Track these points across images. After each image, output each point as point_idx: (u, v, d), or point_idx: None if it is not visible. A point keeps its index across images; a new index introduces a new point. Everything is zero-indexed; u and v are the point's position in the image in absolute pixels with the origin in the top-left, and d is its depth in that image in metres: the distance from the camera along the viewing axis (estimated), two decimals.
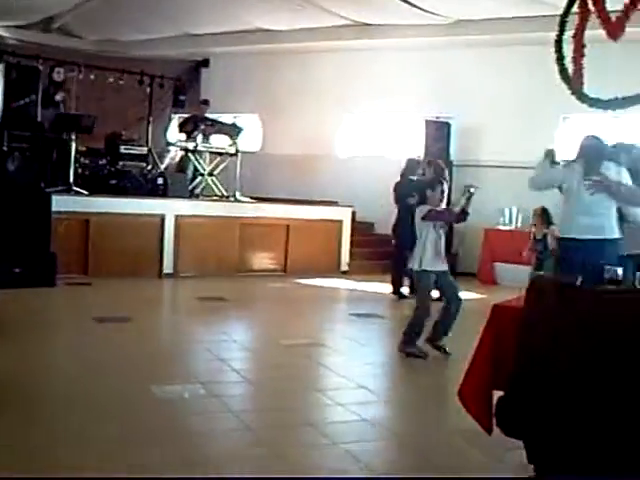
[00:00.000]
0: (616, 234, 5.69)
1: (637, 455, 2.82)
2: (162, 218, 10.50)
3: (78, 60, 13.52)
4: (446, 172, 9.19)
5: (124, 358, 5.86)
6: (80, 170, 11.36)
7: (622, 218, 5.82)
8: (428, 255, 6.36)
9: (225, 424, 4.41)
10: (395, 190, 9.95)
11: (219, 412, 4.61)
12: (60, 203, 9.54)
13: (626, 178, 5.75)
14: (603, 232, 5.62)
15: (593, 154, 5.82)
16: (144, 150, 12.78)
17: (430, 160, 9.82)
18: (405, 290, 9.73)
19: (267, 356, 6.47)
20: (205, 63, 15.99)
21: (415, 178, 9.74)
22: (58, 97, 11.59)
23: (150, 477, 3.49)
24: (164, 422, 4.35)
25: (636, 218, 5.79)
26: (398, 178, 10.09)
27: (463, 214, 6.53)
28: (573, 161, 6.09)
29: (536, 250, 8.73)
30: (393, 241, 10.08)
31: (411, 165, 10.10)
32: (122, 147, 12.18)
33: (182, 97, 14.45)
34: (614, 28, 7.21)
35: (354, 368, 6.00)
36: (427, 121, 12.95)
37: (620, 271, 3.55)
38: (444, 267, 6.47)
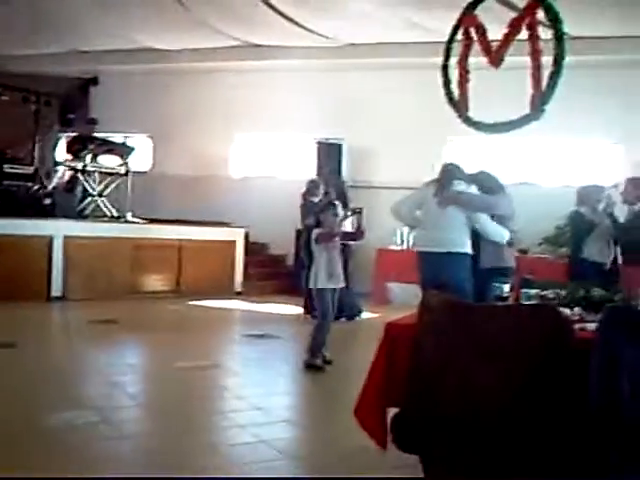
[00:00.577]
0: (464, 248, 5.91)
1: (526, 464, 2.95)
2: (50, 239, 10.20)
3: None
4: (347, 193, 9.42)
5: (9, 386, 5.64)
6: None
7: (478, 236, 6.09)
8: (322, 274, 6.69)
9: (119, 449, 4.32)
10: (301, 212, 10.03)
11: (113, 438, 4.50)
12: None
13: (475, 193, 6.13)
14: (450, 245, 5.85)
15: (446, 175, 6.16)
16: (30, 169, 12.42)
17: (334, 182, 10.03)
18: (299, 309, 9.85)
19: (162, 379, 6.36)
20: (94, 81, 15.66)
21: (316, 200, 9.82)
22: None
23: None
24: (55, 451, 4.22)
25: (488, 237, 6.01)
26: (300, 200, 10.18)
27: (360, 233, 6.89)
28: (429, 183, 6.40)
29: None
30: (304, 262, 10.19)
31: (311, 187, 10.19)
32: (6, 166, 11.79)
33: (70, 115, 14.12)
34: (494, 56, 7.57)
35: (250, 389, 5.99)
36: (319, 142, 13.13)
37: (507, 288, 3.74)
38: (337, 285, 6.81)
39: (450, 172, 6.22)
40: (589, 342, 3.08)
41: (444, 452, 3.10)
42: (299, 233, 10.30)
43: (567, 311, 3.65)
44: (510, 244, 6.06)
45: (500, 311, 3.27)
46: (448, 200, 5.86)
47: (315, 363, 6.70)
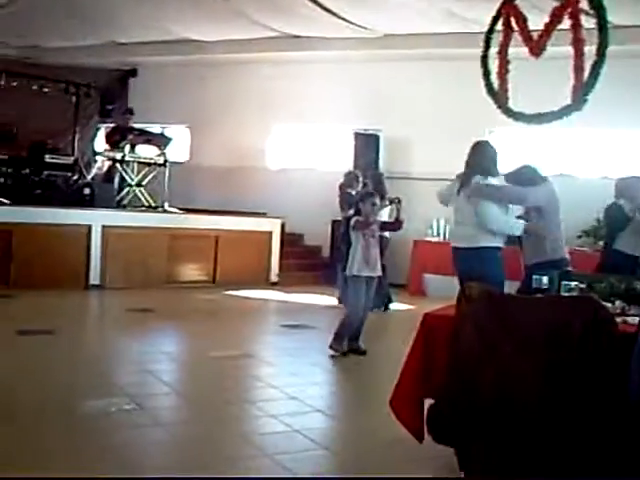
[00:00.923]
0: (486, 242, 5.77)
1: (564, 459, 2.90)
2: (89, 229, 10.30)
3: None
4: (385, 184, 9.43)
5: (48, 372, 5.71)
6: (2, 179, 11.06)
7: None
8: (357, 261, 6.82)
9: (153, 437, 4.34)
10: (340, 203, 10.04)
11: (147, 425, 4.53)
12: None
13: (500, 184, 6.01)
14: (470, 240, 5.75)
15: (467, 170, 5.99)
16: (70, 160, 12.55)
17: (369, 174, 10.02)
18: (334, 300, 9.85)
19: (196, 368, 6.39)
20: (133, 73, 15.79)
21: (354, 192, 9.79)
22: None
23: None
24: (90, 437, 4.25)
25: (486, 226, 5.83)
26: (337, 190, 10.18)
27: (398, 223, 6.94)
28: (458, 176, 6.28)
29: None
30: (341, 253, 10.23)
31: (348, 179, 10.17)
32: (47, 156, 11.93)
33: (109, 107, 14.23)
34: (535, 46, 7.45)
35: (284, 379, 5.98)
36: (356, 133, 13.07)
37: (545, 280, 3.67)
38: (371, 273, 6.89)
39: (471, 166, 6.05)
40: (631, 336, 3.01)
41: (480, 445, 3.05)
42: (335, 224, 10.30)
43: (608, 304, 3.57)
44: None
45: (540, 303, 3.20)
46: (473, 193, 5.73)
47: (336, 347, 6.84)
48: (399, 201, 7.16)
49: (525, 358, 3.00)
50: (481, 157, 6.00)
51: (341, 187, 10.14)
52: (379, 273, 7.08)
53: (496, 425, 3.04)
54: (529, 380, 2.98)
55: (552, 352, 2.95)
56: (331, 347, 6.85)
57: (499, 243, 5.71)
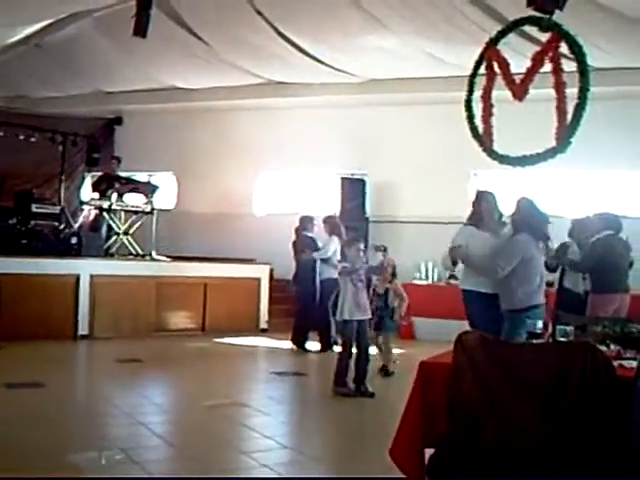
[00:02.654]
0: (467, 286, 6.02)
1: None
2: (77, 278, 10.25)
3: None
4: (341, 228, 9.63)
5: (38, 425, 5.62)
6: None
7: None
8: (347, 306, 7.04)
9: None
10: (294, 245, 10.31)
11: (139, 478, 4.45)
12: None
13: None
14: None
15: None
16: (57, 209, 12.53)
17: (325, 217, 10.22)
18: (312, 345, 9.90)
19: (188, 418, 6.31)
20: (119, 121, 15.87)
21: (310, 234, 10.24)
22: None
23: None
24: None
25: None
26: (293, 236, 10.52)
27: (383, 267, 7.15)
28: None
29: (377, 308, 8.21)
30: (294, 293, 10.53)
31: (304, 222, 10.50)
32: (33, 206, 11.90)
33: (96, 155, 14.27)
34: (518, 89, 7.55)
35: (278, 428, 5.93)
36: (342, 178, 13.15)
37: (540, 324, 3.68)
38: (363, 316, 7.13)
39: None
40: (628, 380, 3.01)
41: None
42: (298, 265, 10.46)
43: (604, 348, 3.57)
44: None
45: (537, 349, 3.20)
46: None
47: (340, 391, 7.02)
48: (385, 249, 7.34)
49: (525, 404, 2.99)
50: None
51: (297, 230, 10.34)
52: (369, 315, 7.30)
53: (499, 473, 3.01)
54: (530, 426, 2.97)
55: (552, 398, 2.94)
56: (336, 393, 7.03)
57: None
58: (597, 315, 6.26)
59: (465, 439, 3.08)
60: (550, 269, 7.48)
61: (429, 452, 3.48)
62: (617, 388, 2.93)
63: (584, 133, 7.20)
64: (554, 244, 7.10)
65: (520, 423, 2.97)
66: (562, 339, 3.62)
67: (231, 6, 10.51)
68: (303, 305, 10.20)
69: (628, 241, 7.94)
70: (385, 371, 8.18)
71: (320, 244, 10.09)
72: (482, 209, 6.48)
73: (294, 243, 10.44)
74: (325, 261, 9.83)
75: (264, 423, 6.11)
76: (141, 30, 9.67)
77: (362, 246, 7.36)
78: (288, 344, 10.30)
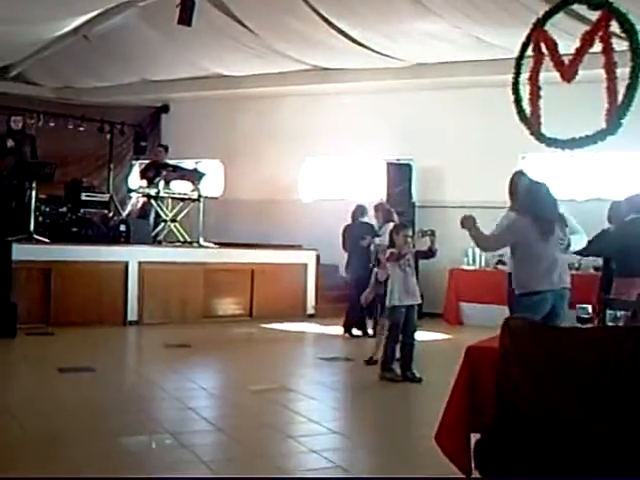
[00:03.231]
0: None
1: None
2: (125, 265, 10.39)
3: (37, 107, 13.46)
4: (394, 215, 9.58)
5: (89, 409, 5.73)
6: (41, 218, 11.25)
7: None
8: (396, 292, 7.06)
9: (195, 474, 4.32)
10: (345, 232, 10.26)
11: (189, 462, 4.51)
12: (20, 252, 9.41)
13: None
14: None
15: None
16: (105, 197, 12.73)
17: (377, 204, 10.18)
18: (369, 330, 9.86)
19: (236, 403, 6.37)
20: (165, 109, 16.02)
21: (366, 220, 10.20)
22: (9, 144, 11.45)
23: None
24: (131, 473, 4.25)
25: None
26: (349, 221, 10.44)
27: (430, 252, 7.03)
28: None
29: (378, 295, 8.03)
30: (348, 280, 10.50)
31: (360, 209, 10.47)
32: (83, 194, 12.11)
33: (143, 143, 14.47)
34: (567, 71, 7.42)
35: (325, 413, 5.94)
36: (388, 163, 13.09)
37: (590, 309, 3.63)
38: (412, 301, 7.14)
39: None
40: None
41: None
42: (350, 254, 10.43)
43: None
44: None
45: (587, 335, 3.15)
46: None
47: (387, 376, 7.04)
48: (432, 233, 7.23)
49: (573, 390, 2.95)
50: None
51: (353, 217, 10.36)
52: (419, 300, 7.31)
53: (545, 460, 2.98)
54: (579, 413, 2.93)
55: (601, 384, 2.89)
56: (382, 378, 7.05)
57: None
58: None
59: (512, 426, 3.06)
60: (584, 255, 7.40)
61: (475, 438, 3.47)
62: None
63: (636, 114, 7.06)
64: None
65: (567, 409, 2.93)
66: (611, 324, 3.57)
67: None
68: (356, 292, 10.09)
69: None
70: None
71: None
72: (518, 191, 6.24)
73: (344, 231, 10.39)
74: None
75: (311, 408, 6.14)
76: (186, 19, 9.74)
77: (410, 232, 7.35)
78: (335, 329, 10.32)
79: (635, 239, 7.24)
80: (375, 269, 8.30)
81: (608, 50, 7.00)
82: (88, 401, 6.02)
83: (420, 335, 9.63)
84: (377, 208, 10.13)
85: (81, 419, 5.41)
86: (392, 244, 7.26)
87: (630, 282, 7.22)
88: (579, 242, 5.80)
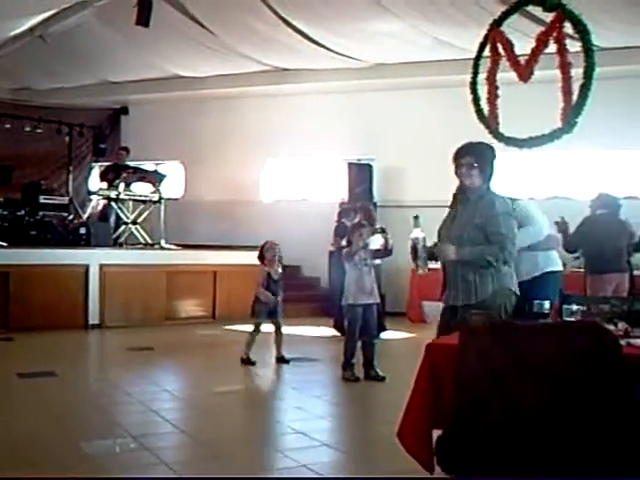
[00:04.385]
0: None
1: None
2: (86, 268, 10.29)
3: None
4: (374, 214, 9.58)
5: (51, 414, 5.67)
6: None
7: None
8: (352, 290, 7.03)
9: (158, 476, 4.30)
10: (335, 234, 10.32)
11: (152, 465, 4.49)
12: None
13: None
14: None
15: None
16: (65, 200, 12.60)
17: (358, 205, 10.20)
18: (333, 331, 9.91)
19: (200, 404, 6.35)
20: (125, 110, 15.88)
21: (348, 223, 10.01)
22: None
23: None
24: (96, 476, 4.22)
25: None
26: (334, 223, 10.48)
27: (386, 250, 7.01)
28: None
29: (274, 294, 8.03)
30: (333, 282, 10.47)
31: (345, 210, 10.45)
32: (42, 197, 11.97)
33: (103, 145, 14.35)
34: (523, 71, 7.55)
35: (289, 413, 5.96)
36: (349, 163, 13.14)
37: (547, 305, 3.70)
38: (369, 300, 7.08)
39: None
40: (637, 357, 3.02)
41: (491, 475, 3.04)
42: (332, 255, 10.45)
43: (611, 326, 3.58)
44: None
45: (544, 329, 3.22)
46: None
47: (346, 377, 7.03)
48: (383, 230, 7.30)
49: (531, 385, 3.00)
50: None
51: (338, 219, 10.34)
52: (377, 300, 7.24)
53: (506, 453, 3.03)
54: (537, 407, 2.99)
55: (559, 379, 2.95)
56: (343, 378, 7.05)
57: None
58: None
59: (472, 420, 3.10)
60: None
61: (436, 434, 3.51)
62: (624, 367, 2.94)
63: (590, 113, 7.20)
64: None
65: (525, 404, 2.98)
66: (569, 319, 3.64)
67: None
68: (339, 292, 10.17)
69: (628, 221, 7.94)
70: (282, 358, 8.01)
71: None
72: None
73: (335, 231, 10.42)
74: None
75: (275, 408, 6.16)
76: (143, 19, 9.69)
77: (364, 231, 7.25)
78: (297, 330, 10.33)
79: (597, 235, 7.39)
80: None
81: (562, 51, 7.14)
82: (49, 406, 5.96)
83: (384, 334, 9.78)
84: (358, 209, 10.16)
85: (41, 424, 5.35)
86: (349, 243, 7.25)
87: (601, 279, 7.38)
88: (525, 237, 5.79)
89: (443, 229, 4.67)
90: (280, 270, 8.12)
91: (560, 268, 6.05)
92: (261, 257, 8.07)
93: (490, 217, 4.31)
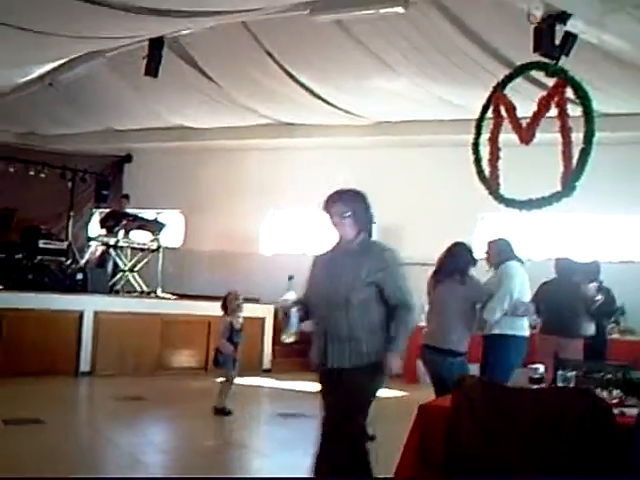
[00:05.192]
0: None
1: None
2: (80, 314, 10.22)
3: None
4: None
5: (36, 464, 5.55)
6: None
7: None
8: None
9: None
10: None
11: None
12: None
13: None
14: None
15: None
16: (64, 245, 12.59)
17: None
18: None
19: (189, 459, 6.22)
20: (128, 158, 15.99)
21: None
22: None
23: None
24: None
25: None
26: None
27: None
28: None
29: (236, 344, 7.97)
30: None
31: None
32: (41, 241, 11.97)
33: (105, 192, 14.43)
34: (525, 133, 7.61)
35: (282, 472, 5.83)
36: None
37: (542, 369, 3.66)
38: None
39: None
40: (629, 427, 2.96)
41: None
42: None
43: (605, 394, 3.52)
44: None
45: (537, 394, 3.16)
46: None
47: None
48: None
49: (523, 450, 2.94)
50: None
51: None
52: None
53: None
54: (528, 472, 2.92)
55: (550, 444, 2.90)
56: None
57: None
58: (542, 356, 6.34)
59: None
60: None
61: None
62: (616, 436, 2.89)
63: (592, 177, 7.23)
64: None
65: (518, 469, 2.92)
66: (563, 384, 3.58)
67: (242, 48, 10.63)
68: None
69: (586, 285, 7.97)
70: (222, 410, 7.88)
71: None
72: None
73: None
74: None
75: (266, 466, 6.03)
76: (152, 70, 9.82)
77: None
78: (291, 385, 10.21)
79: (548, 301, 7.41)
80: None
81: (563, 115, 7.21)
82: (34, 455, 5.84)
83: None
84: None
85: (25, 473, 5.23)
86: None
87: (542, 338, 7.43)
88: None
89: (317, 278, 4.30)
90: (241, 320, 8.03)
91: (521, 333, 6.13)
92: (224, 307, 8.03)
93: (383, 270, 4.06)
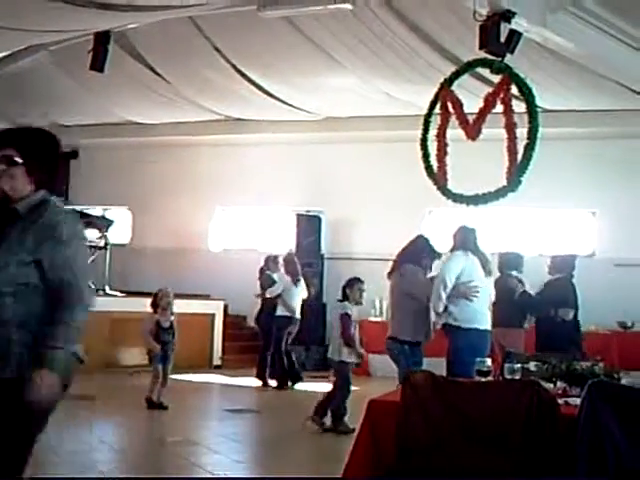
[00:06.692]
0: None
1: None
2: None
3: None
4: (296, 265, 9.83)
5: None
6: None
7: None
8: (345, 348, 7.26)
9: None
10: (260, 286, 10.54)
11: None
12: None
13: None
14: None
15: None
16: None
17: (285, 255, 10.40)
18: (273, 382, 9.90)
19: (138, 456, 6.19)
20: (74, 154, 15.69)
21: (272, 274, 10.50)
22: None
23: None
24: None
25: None
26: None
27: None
28: None
29: (164, 342, 8.10)
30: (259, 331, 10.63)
31: (268, 261, 10.71)
32: None
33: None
34: (471, 129, 7.72)
35: (229, 467, 5.83)
36: (298, 215, 13.18)
37: (489, 363, 3.73)
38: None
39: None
40: (573, 418, 3.04)
41: None
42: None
43: (550, 385, 3.60)
44: None
45: (484, 388, 3.23)
46: None
47: (342, 429, 6.87)
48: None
49: (472, 442, 3.00)
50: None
51: (261, 269, 10.60)
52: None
53: None
54: (477, 464, 2.98)
55: (498, 436, 2.96)
56: (339, 431, 6.88)
57: None
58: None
59: (412, 476, 3.08)
60: None
61: None
62: (561, 426, 2.96)
63: (535, 172, 7.37)
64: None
65: (466, 461, 2.98)
66: (509, 377, 3.65)
67: (190, 43, 10.56)
68: (265, 343, 10.24)
69: (511, 276, 8.18)
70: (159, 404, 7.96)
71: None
72: None
73: (260, 281, 10.59)
74: (279, 298, 9.98)
75: (215, 462, 6.02)
76: (98, 65, 9.67)
77: (364, 286, 7.40)
78: (242, 380, 10.21)
79: (496, 294, 7.58)
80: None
81: (508, 111, 7.32)
82: None
83: (326, 387, 9.72)
84: (284, 259, 10.35)
85: None
86: (345, 298, 7.29)
87: (502, 332, 7.60)
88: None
89: None
90: (172, 318, 7.95)
91: (483, 327, 6.39)
92: (154, 305, 7.98)
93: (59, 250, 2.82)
